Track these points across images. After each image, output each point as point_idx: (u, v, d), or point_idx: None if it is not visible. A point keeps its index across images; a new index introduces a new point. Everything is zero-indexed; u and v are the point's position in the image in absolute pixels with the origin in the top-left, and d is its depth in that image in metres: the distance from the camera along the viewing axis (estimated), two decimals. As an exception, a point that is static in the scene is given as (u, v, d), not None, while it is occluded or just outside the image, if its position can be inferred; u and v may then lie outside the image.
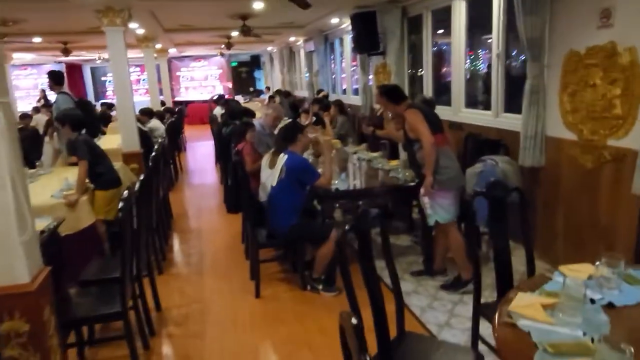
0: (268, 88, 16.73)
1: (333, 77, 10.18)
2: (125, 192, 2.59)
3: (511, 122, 4.23)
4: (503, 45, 4.29)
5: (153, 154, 4.22)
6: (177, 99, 18.22)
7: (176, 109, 12.12)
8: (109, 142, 6.57)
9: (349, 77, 8.91)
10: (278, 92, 12.48)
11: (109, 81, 18.66)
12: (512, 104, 4.41)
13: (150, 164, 4.09)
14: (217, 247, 4.70)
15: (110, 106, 11.16)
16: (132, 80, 18.37)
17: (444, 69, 6.21)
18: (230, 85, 18.76)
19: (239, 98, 17.63)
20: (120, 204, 2.55)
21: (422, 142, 3.10)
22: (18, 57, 13.80)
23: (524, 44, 3.61)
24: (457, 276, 3.32)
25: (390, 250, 2.18)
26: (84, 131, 4.16)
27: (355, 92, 8.84)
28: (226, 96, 17.92)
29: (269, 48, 15.76)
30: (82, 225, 3.79)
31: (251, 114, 5.97)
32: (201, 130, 14.51)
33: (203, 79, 18.29)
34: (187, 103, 17.83)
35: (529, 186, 3.80)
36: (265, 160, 3.78)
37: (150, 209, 3.95)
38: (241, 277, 3.90)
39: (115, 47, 5.55)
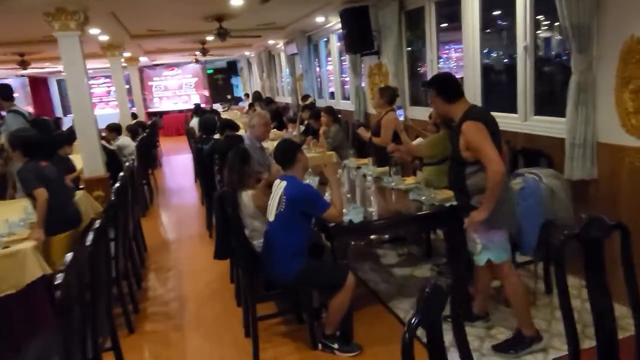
0: (247, 95, 15.95)
1: (319, 80, 9.47)
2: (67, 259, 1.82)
3: (544, 126, 3.59)
4: (531, 35, 3.64)
5: (117, 184, 3.43)
6: (150, 109, 17.28)
7: (149, 122, 11.25)
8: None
9: (337, 81, 8.21)
10: (257, 98, 11.68)
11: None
12: (542, 106, 3.78)
13: (113, 197, 3.31)
14: (202, 290, 3.92)
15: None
16: (102, 92, 17.39)
17: (450, 68, 5.57)
18: (206, 93, 17.90)
19: (217, 106, 16.85)
20: (68, 258, 1.84)
21: (489, 171, 2.36)
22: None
23: (566, 33, 2.96)
24: (517, 333, 2.59)
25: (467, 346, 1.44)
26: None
27: (345, 96, 8.14)
28: (202, 105, 17.14)
29: (247, 53, 14.99)
30: (28, 281, 2.98)
31: (233, 127, 5.20)
32: (178, 142, 13.64)
33: (177, 88, 17.38)
34: (161, 114, 16.93)
35: (575, 203, 3.14)
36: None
37: (115, 254, 3.17)
38: (233, 332, 3.14)
39: (70, 55, 4.73)
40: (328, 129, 5.49)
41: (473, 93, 4.35)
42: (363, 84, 6.77)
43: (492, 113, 4.10)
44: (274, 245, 2.76)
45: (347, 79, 7.54)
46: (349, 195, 3.33)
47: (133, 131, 7.12)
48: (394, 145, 4.04)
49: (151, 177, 7.53)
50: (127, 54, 10.97)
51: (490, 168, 2.35)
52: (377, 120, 4.73)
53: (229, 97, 18.33)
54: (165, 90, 17.34)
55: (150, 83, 17.23)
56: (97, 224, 2.33)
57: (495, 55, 4.84)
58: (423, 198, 3.13)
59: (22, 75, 15.89)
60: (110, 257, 2.92)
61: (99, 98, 17.98)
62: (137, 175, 5.24)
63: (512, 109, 3.92)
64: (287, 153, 2.86)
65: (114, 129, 6.67)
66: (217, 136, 5.43)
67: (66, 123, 15.90)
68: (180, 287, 4.02)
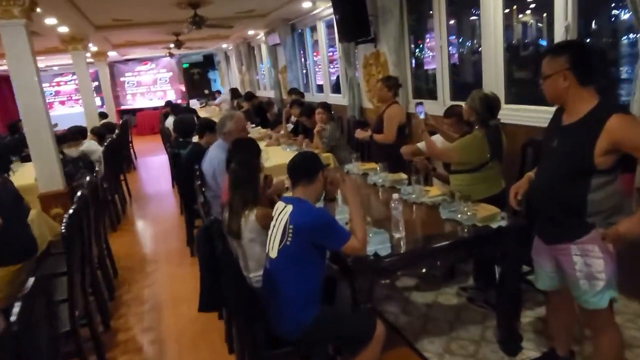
0: (219, 92, 15.15)
1: (304, 73, 8.77)
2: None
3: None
4: (574, 11, 3.03)
5: (71, 209, 2.71)
6: (123, 107, 16.32)
7: (120, 121, 10.38)
8: (25, 176, 4.94)
9: (325, 72, 7.52)
10: (235, 95, 10.85)
11: (49, 92, 16.47)
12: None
13: (68, 219, 2.59)
14: (184, 329, 3.23)
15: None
16: (70, 90, 16.28)
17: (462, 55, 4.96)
18: (183, 88, 16.99)
19: (193, 103, 15.98)
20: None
21: None
22: None
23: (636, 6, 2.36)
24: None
25: None
26: None
27: (335, 89, 7.47)
28: (179, 101, 16.23)
29: (224, 45, 14.14)
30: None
31: (214, 128, 4.48)
32: (153, 142, 12.75)
33: (152, 84, 16.42)
34: (135, 111, 15.99)
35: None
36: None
37: (69, 295, 2.47)
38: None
39: (14, 47, 3.95)
40: (323, 127, 4.83)
41: (495, 84, 3.74)
42: (357, 75, 6.11)
43: (519, 106, 3.56)
44: (279, 290, 2.10)
45: (337, 70, 6.87)
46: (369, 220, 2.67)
47: (99, 134, 6.31)
48: (408, 149, 3.41)
49: (123, 184, 6.76)
50: (93, 49, 10.07)
51: None
52: (379, 115, 4.10)
53: (206, 92, 17.48)
54: (139, 86, 16.36)
55: (122, 79, 16.23)
56: (30, 283, 1.62)
57: (521, 37, 4.21)
58: (459, 216, 2.50)
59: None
60: (55, 313, 2.21)
61: (67, 96, 16.92)
62: (103, 187, 4.49)
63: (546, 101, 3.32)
64: (308, 165, 2.22)
65: (78, 132, 5.86)
66: (196, 139, 4.73)
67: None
68: (157, 326, 3.32)
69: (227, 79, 16.40)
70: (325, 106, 4.91)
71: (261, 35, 10.37)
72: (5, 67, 14.03)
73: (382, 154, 3.90)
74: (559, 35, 3.11)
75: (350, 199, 2.20)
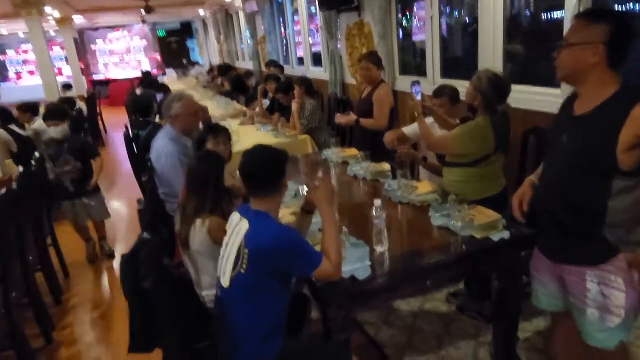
0: (193, 63, 14.42)
1: (284, 43, 8.17)
2: None
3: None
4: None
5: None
6: (96, 77, 15.48)
7: (88, 94, 9.68)
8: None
9: (306, 44, 6.96)
10: (221, 71, 10.05)
11: (17, 61, 15.51)
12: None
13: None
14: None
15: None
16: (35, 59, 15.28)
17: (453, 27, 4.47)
18: (159, 58, 16.15)
19: (170, 73, 15.21)
20: None
21: None
22: None
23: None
24: None
25: None
26: None
27: (317, 62, 6.93)
28: (154, 72, 15.42)
29: (201, 12, 13.33)
30: None
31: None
32: (126, 115, 12.07)
33: (125, 53, 15.54)
34: (108, 82, 15.16)
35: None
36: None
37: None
38: None
39: None
40: (302, 106, 4.35)
41: (492, 60, 3.30)
42: (340, 47, 5.59)
43: (519, 87, 3.12)
44: (232, 323, 1.69)
45: (319, 41, 6.32)
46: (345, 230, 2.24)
47: (62, 113, 5.70)
48: (392, 135, 2.96)
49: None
50: (55, 14, 9.29)
51: None
52: (366, 96, 3.62)
53: (184, 62, 16.67)
54: (112, 55, 15.48)
55: (93, 47, 15.32)
56: None
57: (524, 7, 3.72)
58: (453, 223, 2.10)
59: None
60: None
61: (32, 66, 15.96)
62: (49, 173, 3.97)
63: (552, 82, 2.90)
64: (270, 168, 1.75)
65: (29, 109, 5.29)
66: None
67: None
68: (106, 339, 2.91)
69: (206, 48, 15.61)
70: (303, 82, 4.41)
71: (239, 1, 9.67)
72: None
73: (367, 141, 3.46)
74: (570, 6, 2.66)
75: (324, 211, 1.77)
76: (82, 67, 15.06)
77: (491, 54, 3.31)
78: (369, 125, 3.49)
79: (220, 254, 1.77)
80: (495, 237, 1.97)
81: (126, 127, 4.26)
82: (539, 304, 1.89)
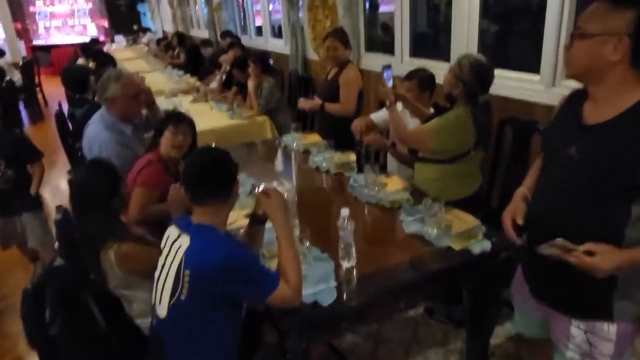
0: (144, 30, 13.50)
1: (242, 11, 7.62)
2: None
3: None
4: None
5: None
6: (37, 42, 14.22)
7: (24, 60, 8.77)
8: None
9: (265, 12, 6.47)
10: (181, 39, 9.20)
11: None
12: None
13: None
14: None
15: None
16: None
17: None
18: (105, 24, 15.01)
19: (119, 40, 14.20)
20: None
21: None
22: None
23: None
24: None
25: None
26: None
27: (277, 33, 6.48)
28: (101, 38, 14.32)
29: (152, -27, 12.36)
30: None
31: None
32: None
33: (68, 16, 14.31)
34: (50, 48, 13.95)
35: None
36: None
37: None
38: None
39: None
40: (259, 84, 3.97)
41: (466, 40, 3.04)
42: (302, 17, 5.19)
43: (500, 71, 2.87)
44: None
45: (280, 9, 5.86)
46: (296, 223, 1.96)
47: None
48: (361, 122, 2.66)
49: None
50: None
51: None
52: (332, 78, 3.28)
53: (135, 27, 15.59)
54: (53, 19, 14.21)
55: (31, 9, 14.00)
56: None
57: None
58: (428, 231, 1.86)
59: None
60: None
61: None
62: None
63: (531, 67, 2.68)
64: (218, 174, 1.45)
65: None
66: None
67: None
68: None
69: (158, 13, 14.61)
70: (259, 58, 4.02)
71: (192, -37, 8.95)
72: None
73: (331, 127, 3.17)
74: (554, -17, 2.42)
75: (279, 225, 1.49)
76: (19, 30, 13.80)
77: (465, 30, 3.04)
78: (335, 110, 3.18)
79: (155, 277, 1.46)
80: (475, 247, 1.75)
81: (59, 105, 3.76)
82: (518, 328, 1.71)
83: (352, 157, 2.69)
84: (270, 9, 6.39)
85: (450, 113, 2.11)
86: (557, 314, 1.42)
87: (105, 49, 12.48)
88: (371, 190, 2.26)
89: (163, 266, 1.43)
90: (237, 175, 1.51)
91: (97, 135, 2.52)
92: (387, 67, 2.26)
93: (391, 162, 2.90)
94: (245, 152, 3.14)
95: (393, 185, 2.29)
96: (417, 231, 1.88)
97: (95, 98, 3.05)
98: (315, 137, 3.14)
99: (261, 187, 2.08)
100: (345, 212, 1.64)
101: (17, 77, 7.23)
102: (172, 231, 1.47)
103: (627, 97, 1.22)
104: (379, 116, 2.80)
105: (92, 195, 1.63)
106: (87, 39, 11.49)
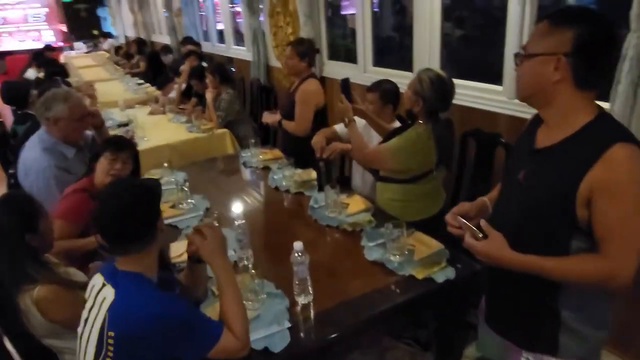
0: (105, 35, 13.08)
1: (203, 17, 7.40)
2: None
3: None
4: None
5: None
6: (-11, 49, 13.55)
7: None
8: None
9: (227, 18, 6.29)
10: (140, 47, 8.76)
11: None
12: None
13: None
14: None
15: None
16: None
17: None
18: (64, 28, 14.44)
19: (79, 46, 13.70)
20: None
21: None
22: None
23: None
24: None
25: None
26: None
27: (240, 39, 6.30)
28: (60, 44, 13.78)
29: (111, -23, 11.95)
30: None
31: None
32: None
33: (22, 22, 13.70)
34: (4, 54, 13.32)
35: None
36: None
37: None
38: None
39: None
40: (217, 95, 3.81)
41: (428, 46, 2.96)
42: (263, 23, 5.04)
43: (458, 81, 2.80)
44: None
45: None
46: (249, 253, 1.81)
47: None
48: (321, 137, 2.53)
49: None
50: None
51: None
52: (292, 91, 3.14)
53: (95, 32, 15.09)
54: (5, 24, 13.58)
55: (-18, 14, 13.33)
56: None
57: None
58: (388, 257, 1.75)
59: None
60: None
61: None
62: None
63: (495, 78, 2.62)
64: (136, 215, 1.25)
65: None
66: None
67: None
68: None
69: (120, 19, 14.16)
70: (217, 69, 3.85)
71: (151, -33, 8.66)
72: None
73: (294, 143, 3.03)
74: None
75: (217, 268, 1.34)
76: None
77: (427, 35, 2.94)
78: (289, 128, 3.04)
79: (78, 333, 1.29)
80: (439, 276, 1.64)
81: (0, 121, 3.50)
82: (481, 351, 1.62)
83: (313, 174, 2.56)
84: (231, 12, 6.20)
85: (411, 131, 2.01)
86: (509, 343, 1.37)
87: (64, 55, 12.04)
88: (332, 212, 2.13)
89: (87, 321, 1.26)
90: (160, 209, 1.34)
91: (34, 160, 2.31)
92: (345, 81, 2.15)
93: (356, 173, 2.77)
94: (200, 170, 2.97)
95: (355, 206, 2.17)
96: (379, 258, 1.77)
97: (35, 114, 2.83)
98: (276, 153, 3.00)
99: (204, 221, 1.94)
100: (298, 245, 1.51)
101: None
102: (96, 280, 1.30)
103: (574, 120, 1.16)
104: (343, 128, 2.69)
105: (8, 233, 1.45)
106: (41, 45, 11.03)
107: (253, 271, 1.55)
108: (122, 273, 1.25)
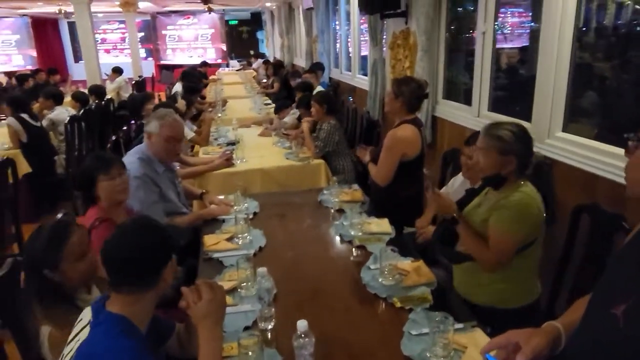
0: (258, 55, 14.05)
1: (337, 45, 7.52)
2: None
3: None
4: None
5: None
6: (164, 62, 15.79)
7: (138, 78, 9.60)
8: None
9: (355, 48, 6.27)
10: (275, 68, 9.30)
11: (97, 40, 16.14)
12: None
13: None
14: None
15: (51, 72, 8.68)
16: (116, 39, 15.80)
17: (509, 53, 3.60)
18: (224, 47, 16.12)
19: (233, 64, 15.13)
20: None
21: None
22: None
23: None
24: None
25: None
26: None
27: (365, 69, 6.23)
28: (219, 61, 15.38)
29: (268, 4, 13.00)
30: None
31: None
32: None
33: (193, 40, 15.66)
34: (174, 67, 15.36)
35: None
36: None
37: None
38: None
39: None
40: (315, 125, 3.73)
41: (551, 96, 2.47)
42: (385, 55, 4.87)
43: (579, 139, 2.29)
44: None
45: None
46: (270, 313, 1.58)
47: (82, 100, 5.52)
48: (425, 222, 2.14)
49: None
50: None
51: None
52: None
53: (252, 52, 16.56)
54: (180, 42, 15.65)
55: (163, 32, 15.58)
56: None
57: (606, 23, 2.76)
58: (429, 356, 1.40)
59: (24, 15, 14.56)
60: None
61: (112, 45, 16.61)
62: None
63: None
64: (139, 260, 1.20)
65: (52, 96, 5.10)
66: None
67: (76, 72, 14.60)
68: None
69: (272, 41, 15.33)
70: (325, 99, 3.77)
71: (300, -5, 9.15)
72: (45, 10, 13.18)
73: (376, 187, 2.78)
74: None
75: (203, 337, 1.19)
76: (152, 50, 15.38)
77: (549, 85, 2.47)
78: (371, 173, 2.79)
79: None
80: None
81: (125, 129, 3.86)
82: None
83: (386, 226, 2.28)
84: (360, 41, 6.15)
85: (518, 195, 1.68)
86: None
87: (219, 71, 13.39)
88: (385, 279, 1.83)
89: (63, 356, 1.20)
90: (168, 258, 1.23)
91: (129, 163, 2.41)
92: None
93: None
94: (276, 201, 2.85)
95: (415, 276, 1.83)
96: (415, 356, 1.42)
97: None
98: (356, 195, 2.76)
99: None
100: (302, 325, 1.27)
101: (127, 94, 7.86)
102: (85, 314, 1.24)
103: None
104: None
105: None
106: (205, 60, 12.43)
107: (258, 334, 1.35)
108: (106, 313, 1.17)
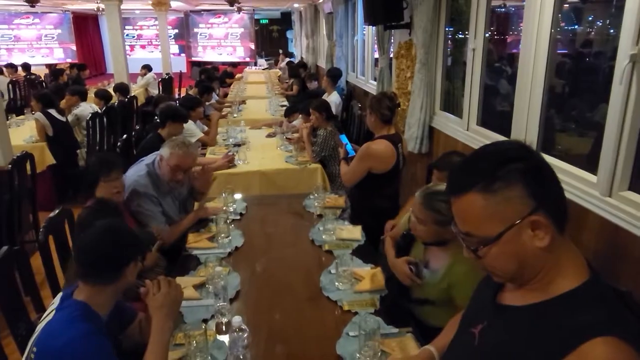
0: (286, 54, 14.23)
1: (355, 50, 7.64)
2: None
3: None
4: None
5: None
6: (194, 59, 16.25)
7: (165, 75, 9.96)
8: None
9: (368, 54, 6.39)
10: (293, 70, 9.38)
11: (132, 35, 16.81)
12: None
13: None
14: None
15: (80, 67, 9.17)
16: (151, 35, 16.20)
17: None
18: (252, 46, 16.44)
19: (261, 62, 15.40)
20: None
21: None
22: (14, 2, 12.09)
23: None
24: None
25: None
26: None
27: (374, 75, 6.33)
28: (247, 59, 15.70)
29: (296, 5, 13.21)
30: None
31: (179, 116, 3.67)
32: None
33: (223, 38, 16.05)
34: (204, 64, 15.80)
35: None
36: None
37: None
38: None
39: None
40: (312, 130, 3.90)
41: (526, 115, 2.55)
42: (392, 64, 4.97)
43: (561, 164, 2.36)
44: None
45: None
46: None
47: (105, 97, 5.86)
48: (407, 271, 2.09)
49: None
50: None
51: None
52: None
53: (280, 51, 16.82)
54: (210, 39, 16.08)
55: (195, 30, 16.03)
56: None
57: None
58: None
59: (66, 11, 15.28)
60: None
61: (147, 40, 17.21)
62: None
63: (591, 165, 2.13)
64: (105, 255, 1.39)
65: (77, 93, 5.45)
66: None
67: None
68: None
69: (300, 41, 15.54)
70: (320, 107, 3.93)
71: (324, -1, 9.30)
72: (87, 7, 13.66)
73: (354, 190, 2.94)
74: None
75: (155, 327, 1.40)
76: (184, 47, 15.86)
77: (525, 103, 2.55)
78: (341, 170, 3.02)
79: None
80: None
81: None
82: None
83: (357, 233, 2.42)
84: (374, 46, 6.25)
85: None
86: None
87: (246, 69, 13.69)
88: (341, 283, 1.98)
89: (37, 330, 1.42)
90: (129, 259, 1.43)
91: (136, 170, 2.62)
92: (416, 265, 1.83)
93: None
94: (263, 204, 3.04)
95: (367, 283, 1.98)
96: (346, 356, 1.57)
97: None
98: (338, 202, 2.92)
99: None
100: (237, 321, 1.44)
101: (151, 92, 8.23)
102: (57, 297, 1.46)
103: (556, 282, 0.90)
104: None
105: None
106: (234, 59, 12.78)
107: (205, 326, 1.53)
108: (71, 301, 1.38)
